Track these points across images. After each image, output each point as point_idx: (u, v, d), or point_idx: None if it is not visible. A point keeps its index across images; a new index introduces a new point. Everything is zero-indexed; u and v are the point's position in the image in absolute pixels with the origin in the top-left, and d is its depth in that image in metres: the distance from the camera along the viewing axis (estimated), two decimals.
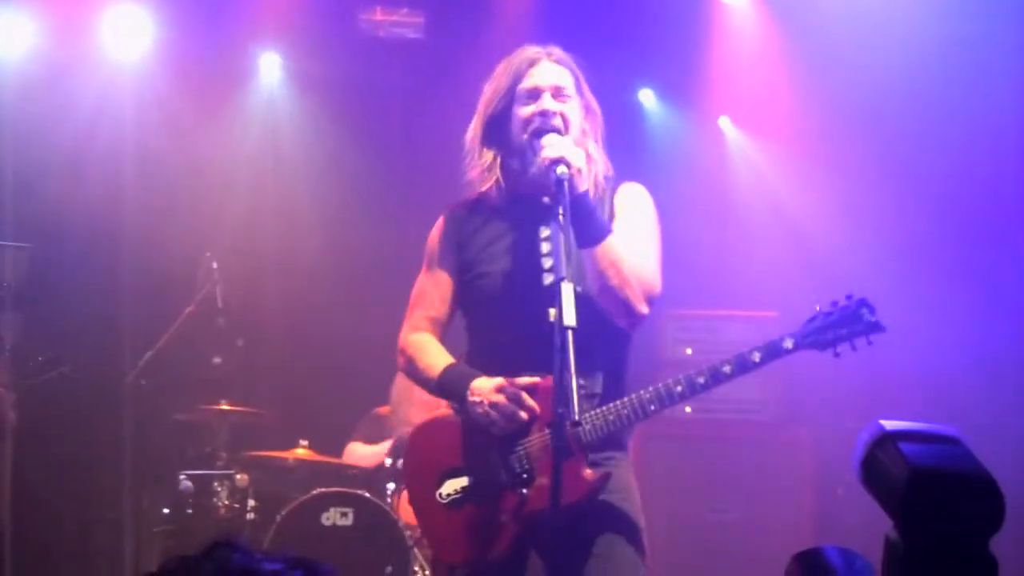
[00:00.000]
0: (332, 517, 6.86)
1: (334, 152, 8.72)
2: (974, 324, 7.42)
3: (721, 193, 8.68)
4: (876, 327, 3.75)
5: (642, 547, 3.83)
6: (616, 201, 3.93)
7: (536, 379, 3.71)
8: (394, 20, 8.72)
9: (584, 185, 3.70)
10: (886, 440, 2.14)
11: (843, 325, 3.74)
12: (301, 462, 7.36)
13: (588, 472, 3.66)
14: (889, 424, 2.17)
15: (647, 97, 9.04)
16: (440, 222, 4.09)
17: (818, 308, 3.77)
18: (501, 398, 3.70)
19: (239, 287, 8.07)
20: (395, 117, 8.64)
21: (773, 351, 3.71)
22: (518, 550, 3.76)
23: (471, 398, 3.75)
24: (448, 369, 3.88)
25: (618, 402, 3.71)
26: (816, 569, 2.46)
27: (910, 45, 7.54)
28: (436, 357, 3.94)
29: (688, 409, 7.41)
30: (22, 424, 7.07)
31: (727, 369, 3.71)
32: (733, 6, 8.40)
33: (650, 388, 3.71)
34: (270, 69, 8.89)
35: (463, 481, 3.81)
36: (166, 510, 7.39)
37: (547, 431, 3.66)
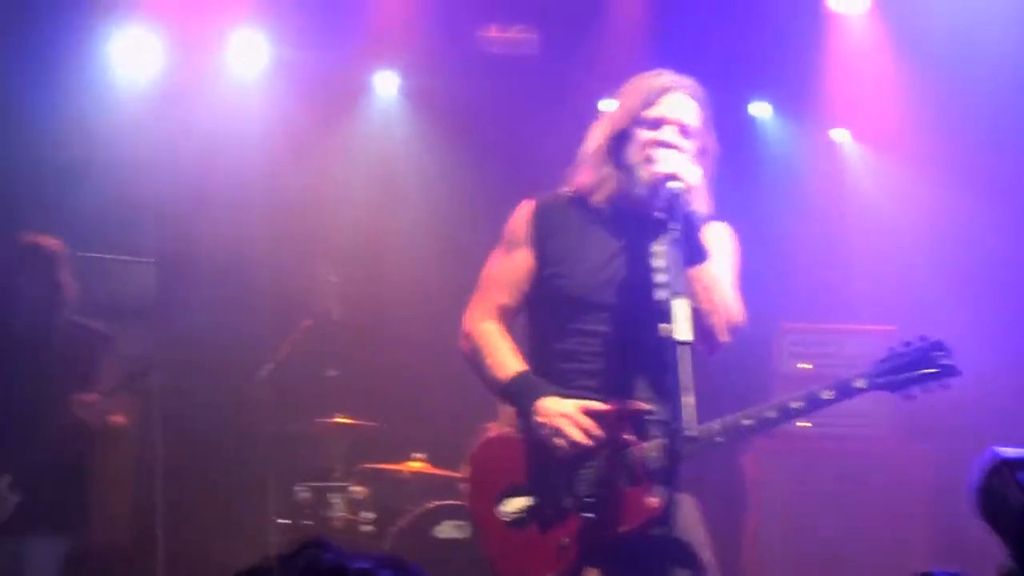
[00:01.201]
0: (446, 530, 6.89)
1: (448, 168, 8.78)
2: None
3: (837, 205, 8.59)
4: (950, 371, 3.71)
5: (702, 541, 3.80)
6: (703, 235, 3.92)
7: (605, 407, 3.68)
8: (509, 37, 8.76)
9: (694, 204, 3.69)
10: (1003, 468, 2.11)
11: (916, 367, 3.69)
12: (416, 475, 7.40)
13: (652, 499, 3.62)
14: (1006, 451, 2.13)
15: (761, 110, 8.97)
16: (528, 209, 4.05)
17: (891, 349, 3.72)
18: (566, 423, 3.67)
19: (356, 301, 8.16)
20: (509, 133, 8.66)
21: (844, 391, 3.67)
22: (577, 574, 3.75)
23: (537, 417, 3.72)
24: (519, 377, 3.84)
25: (719, 420, 3.68)
26: None
27: None
28: (506, 357, 3.89)
29: (807, 424, 7.34)
30: (144, 434, 7.21)
31: (796, 406, 3.68)
32: (848, 17, 8.31)
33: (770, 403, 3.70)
34: (386, 87, 8.99)
35: (526, 501, 3.78)
36: (283, 521, 7.47)
37: (614, 456, 3.64)
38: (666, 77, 3.94)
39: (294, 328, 7.80)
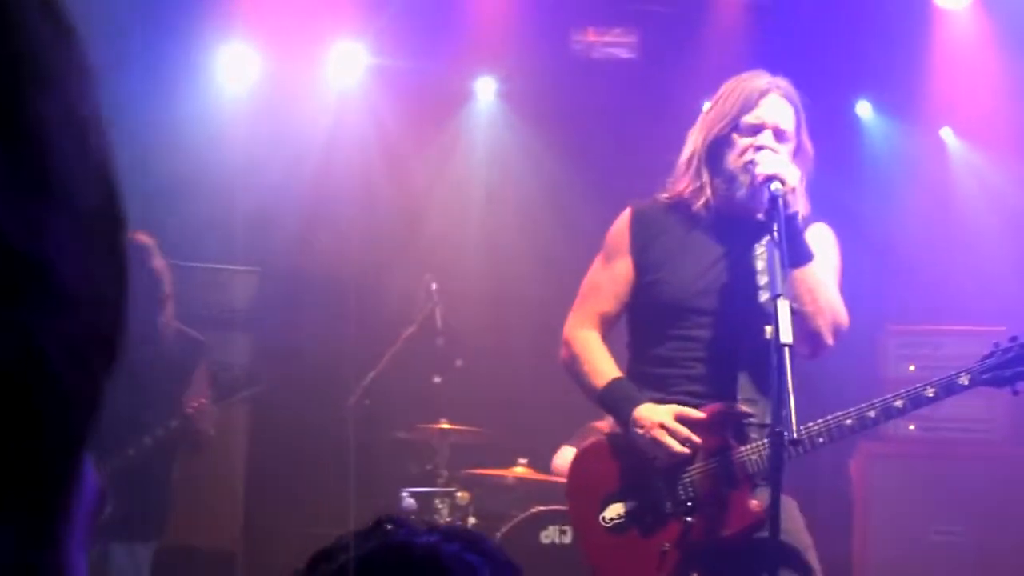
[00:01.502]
0: (551, 535, 6.90)
1: (548, 174, 8.80)
2: None
3: (943, 205, 8.46)
4: None
5: (807, 543, 3.77)
6: (807, 237, 3.91)
7: (700, 414, 3.67)
8: (607, 40, 8.76)
9: (795, 206, 3.67)
10: None
11: (1021, 363, 3.59)
12: (520, 480, 7.42)
13: (755, 503, 3.60)
14: None
15: (865, 109, 8.87)
16: (627, 216, 4.07)
17: (996, 344, 3.65)
18: (664, 433, 3.66)
19: (458, 308, 8.21)
20: (608, 137, 8.66)
21: (948, 388, 3.61)
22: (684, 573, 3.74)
23: (634, 427, 3.71)
24: (614, 384, 3.84)
25: (820, 421, 3.65)
26: None
27: None
28: (603, 364, 3.90)
29: (912, 427, 7.24)
30: (252, 445, 7.32)
31: (899, 404, 3.63)
32: (952, 12, 8.18)
33: (850, 410, 3.66)
34: (486, 92, 9.03)
35: (626, 506, 3.78)
36: None
37: (711, 461, 3.63)
38: (763, 79, 3.92)
39: (397, 337, 7.87)
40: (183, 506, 6.45)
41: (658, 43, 8.63)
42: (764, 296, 3.66)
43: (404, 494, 7.45)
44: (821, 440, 3.64)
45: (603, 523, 3.81)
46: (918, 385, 3.64)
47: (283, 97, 8.31)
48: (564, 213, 8.66)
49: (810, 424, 3.64)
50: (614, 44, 8.76)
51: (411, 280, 8.09)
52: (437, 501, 7.36)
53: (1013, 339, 3.66)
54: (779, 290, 3.35)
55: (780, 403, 3.21)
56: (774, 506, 3.28)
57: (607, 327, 4.02)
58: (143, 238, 6.31)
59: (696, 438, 3.65)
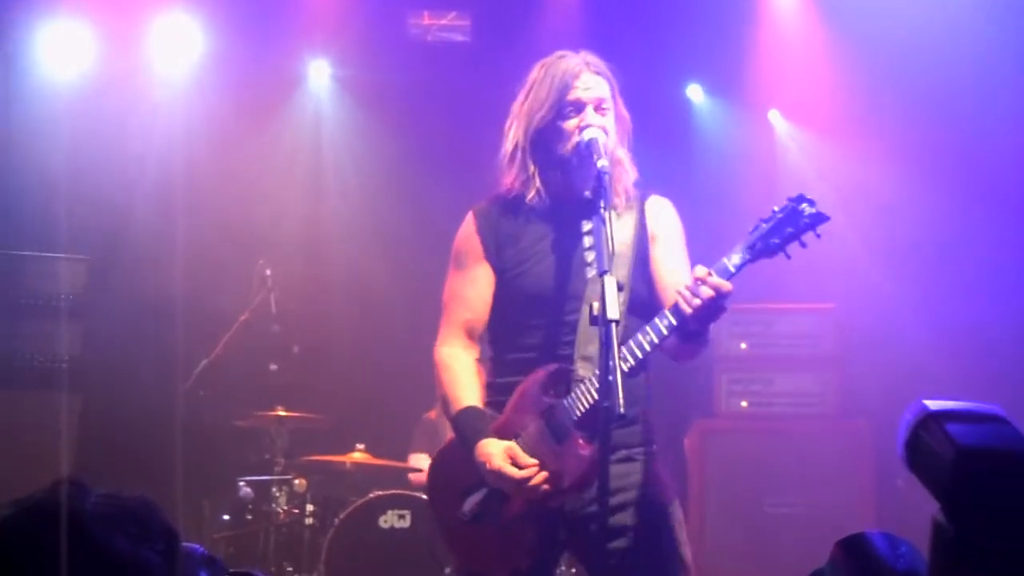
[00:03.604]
0: (390, 519, 6.90)
1: (383, 156, 8.76)
2: None
3: (772, 186, 8.63)
4: (819, 217, 3.64)
5: (678, 540, 3.82)
6: (648, 213, 3.97)
7: (532, 462, 3.68)
8: (442, 24, 8.74)
9: (623, 173, 3.86)
10: (930, 420, 2.08)
11: (786, 225, 3.63)
12: (358, 466, 7.40)
13: (584, 448, 3.61)
14: (933, 404, 2.12)
15: (695, 92, 9.01)
16: (470, 220, 4.05)
17: (759, 219, 3.70)
18: (506, 478, 3.68)
19: (293, 294, 8.13)
20: (443, 120, 8.64)
21: (722, 271, 3.62)
22: (549, 552, 3.79)
23: (477, 458, 3.74)
24: (463, 413, 3.84)
25: (622, 348, 3.64)
26: (860, 554, 2.44)
27: (955, 33, 7.49)
28: (460, 389, 3.89)
29: (744, 403, 7.39)
30: (83, 432, 7.15)
31: (688, 310, 3.56)
32: None
33: (646, 327, 3.66)
34: (319, 76, 8.94)
35: (480, 495, 3.80)
36: (226, 516, 7.45)
37: (540, 423, 3.67)
38: (572, 60, 3.94)
39: (231, 324, 7.76)
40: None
41: (492, 26, 8.64)
42: (591, 273, 3.67)
43: (241, 483, 7.37)
44: (627, 364, 3.60)
45: (463, 517, 3.81)
46: (696, 279, 3.56)
47: (109, 81, 8.11)
48: (401, 197, 8.63)
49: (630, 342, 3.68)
50: (449, 28, 8.75)
51: (245, 266, 7.98)
52: (274, 489, 7.30)
53: (773, 209, 3.67)
54: (605, 267, 3.37)
55: (606, 376, 3.23)
56: (603, 473, 3.31)
57: (475, 337, 4.02)
58: None
59: (530, 461, 3.66)
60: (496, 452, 3.70)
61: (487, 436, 3.75)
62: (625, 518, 3.72)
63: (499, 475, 3.67)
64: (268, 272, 7.82)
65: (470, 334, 4.00)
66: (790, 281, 7.83)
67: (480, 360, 4.02)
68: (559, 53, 4.01)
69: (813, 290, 7.53)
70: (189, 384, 7.69)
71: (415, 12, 8.73)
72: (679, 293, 3.55)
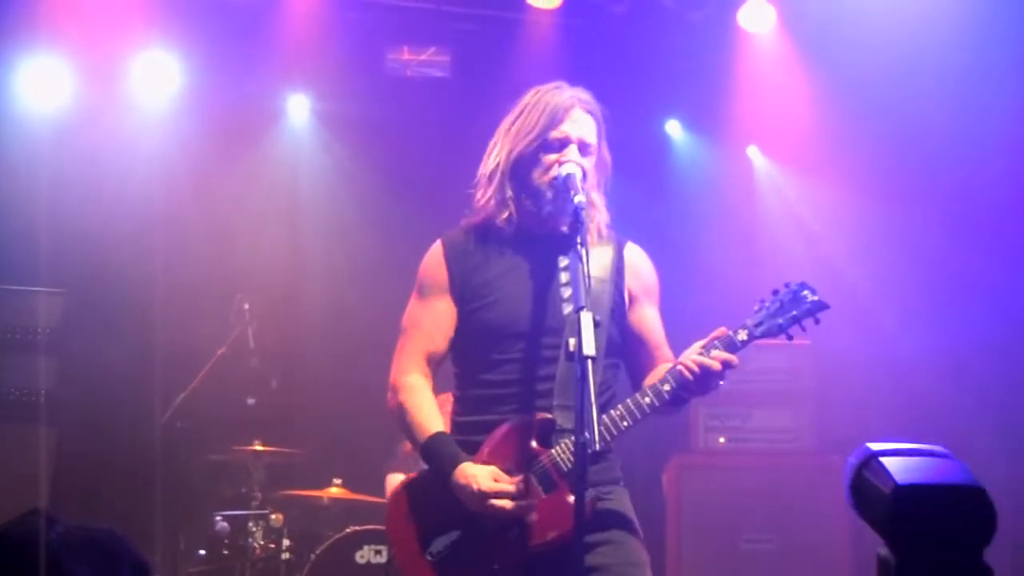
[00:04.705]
0: (366, 555, 6.86)
1: (362, 191, 8.77)
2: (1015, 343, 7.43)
3: (749, 221, 8.68)
4: (821, 306, 3.80)
5: None
6: (627, 261, 4.01)
7: (510, 481, 3.67)
8: (421, 60, 8.76)
9: (596, 215, 3.88)
10: (871, 460, 2.12)
11: (790, 309, 3.79)
12: (335, 500, 7.37)
13: (572, 498, 3.58)
14: (875, 445, 2.15)
15: (674, 128, 9.04)
16: (439, 249, 4.03)
17: (761, 301, 3.80)
18: (490, 489, 3.65)
19: (271, 327, 8.11)
20: (422, 155, 8.65)
21: (729, 344, 3.72)
22: None
23: (456, 480, 3.70)
24: (435, 439, 3.80)
25: (619, 406, 3.70)
26: None
27: (934, 69, 7.56)
28: (426, 416, 3.85)
29: (722, 440, 7.40)
30: (59, 465, 7.11)
31: (689, 374, 3.70)
32: (757, 36, 8.39)
33: (645, 389, 3.72)
34: (298, 111, 8.95)
35: (450, 536, 3.76)
36: (202, 551, 7.40)
37: (526, 470, 3.64)
38: (565, 94, 3.95)
39: (208, 357, 7.74)
40: None
41: (471, 63, 8.66)
42: (568, 309, 3.68)
43: (217, 518, 7.33)
44: (625, 423, 3.69)
45: (430, 558, 3.75)
46: (703, 349, 3.70)
47: (91, 112, 8.10)
48: (379, 232, 8.63)
49: (611, 411, 3.69)
50: (428, 63, 8.78)
51: (222, 300, 7.96)
52: (251, 524, 7.26)
53: (775, 292, 3.80)
54: (582, 303, 3.37)
55: (583, 414, 3.24)
56: (579, 511, 3.29)
57: (435, 365, 3.98)
58: None
59: (513, 487, 3.64)
60: (481, 474, 3.66)
61: (465, 461, 3.72)
62: (599, 557, 3.70)
63: (485, 495, 3.62)
64: (246, 306, 7.82)
65: (428, 363, 3.96)
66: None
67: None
68: (556, 83, 4.01)
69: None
70: (166, 417, 7.67)
71: (394, 47, 8.74)
72: (683, 364, 3.69)
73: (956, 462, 2.06)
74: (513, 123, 3.97)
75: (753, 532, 7.23)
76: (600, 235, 3.94)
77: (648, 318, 4.03)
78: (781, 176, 8.75)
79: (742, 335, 3.74)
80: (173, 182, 8.22)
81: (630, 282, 4.00)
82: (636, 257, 4.05)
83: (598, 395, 3.53)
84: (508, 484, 3.64)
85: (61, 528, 1.93)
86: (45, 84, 8.09)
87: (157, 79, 8.33)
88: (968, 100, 7.56)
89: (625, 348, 3.97)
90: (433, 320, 3.96)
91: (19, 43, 7.89)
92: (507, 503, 3.62)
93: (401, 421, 3.92)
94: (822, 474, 7.22)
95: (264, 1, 8.23)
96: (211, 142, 8.32)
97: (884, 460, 2.07)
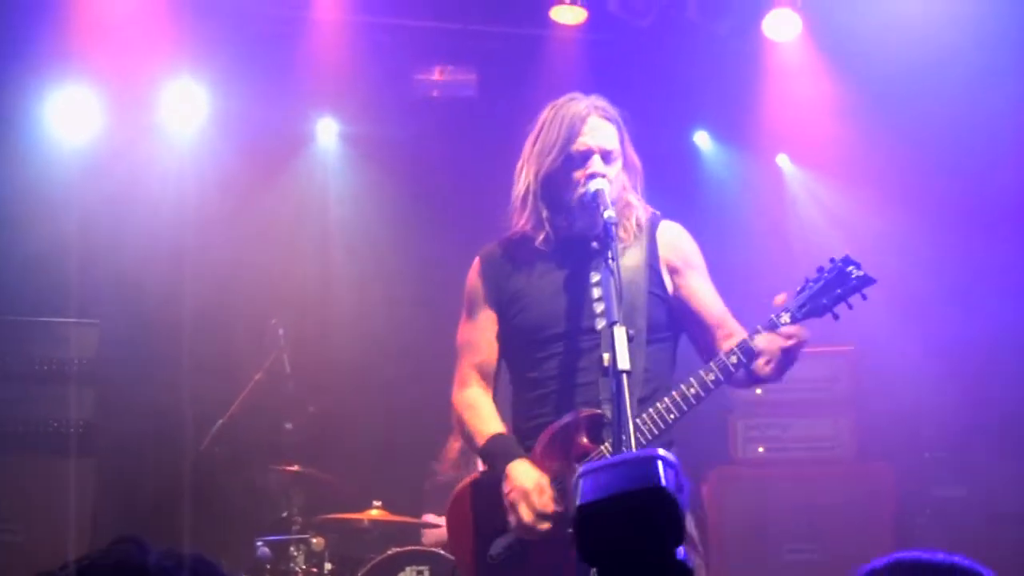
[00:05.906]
0: None
1: (394, 213, 8.78)
2: None
3: (781, 230, 8.64)
4: (867, 281, 3.78)
5: None
6: (661, 240, 3.98)
7: (552, 428, 3.72)
8: (448, 79, 8.78)
9: (633, 212, 3.93)
10: (578, 479, 2.07)
11: (835, 286, 3.76)
12: (376, 523, 7.35)
13: None
14: (588, 465, 2.10)
15: (702, 139, 9.03)
16: (476, 265, 4.14)
17: (806, 279, 3.78)
18: (523, 505, 3.69)
19: (307, 352, 8.12)
20: (450, 174, 8.66)
21: (772, 326, 3.69)
22: None
23: (505, 483, 3.75)
24: (492, 440, 3.88)
25: (665, 399, 3.68)
26: None
27: (962, 76, 7.51)
28: (482, 421, 3.94)
29: (761, 449, 7.35)
30: (98, 495, 7.14)
31: (734, 360, 3.71)
32: (782, 44, 8.36)
33: (690, 379, 3.70)
34: (326, 134, 8.97)
35: (511, 537, 3.77)
36: None
37: (577, 465, 3.65)
38: (580, 104, 3.98)
39: (244, 383, 7.75)
40: (20, 568, 6.27)
41: (498, 81, 8.67)
42: (600, 323, 3.69)
43: (259, 543, 7.33)
44: (672, 416, 3.70)
45: (492, 560, 3.78)
46: (745, 338, 3.68)
47: (120, 143, 8.14)
48: (409, 252, 8.64)
49: (657, 404, 3.70)
50: (455, 83, 8.79)
51: (256, 326, 7.98)
52: (292, 548, 7.26)
53: (820, 270, 3.78)
54: (615, 317, 3.38)
55: (620, 428, 3.23)
56: None
57: (488, 378, 4.08)
58: None
59: (553, 506, 3.65)
60: (529, 482, 3.70)
61: (516, 459, 3.75)
62: None
63: (513, 507, 3.69)
64: (281, 331, 7.83)
65: (483, 376, 4.06)
66: (805, 324, 7.82)
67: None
68: (569, 95, 4.05)
69: (828, 333, 7.50)
70: (205, 444, 7.68)
71: (422, 68, 8.76)
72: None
73: (653, 466, 1.97)
74: (535, 142, 4.01)
75: (795, 542, 7.18)
76: (637, 231, 3.98)
77: (698, 290, 4.04)
78: (812, 183, 8.71)
79: (785, 318, 3.73)
80: (203, 209, 8.24)
81: (667, 255, 4.03)
82: (669, 231, 4.09)
83: (643, 383, 3.64)
84: (537, 509, 3.66)
85: (156, 555, 1.93)
86: (75, 115, 8.14)
87: (186, 107, 8.37)
88: (996, 104, 7.51)
89: (684, 324, 3.98)
90: (480, 333, 4.07)
91: (48, 75, 7.94)
92: (530, 518, 3.63)
93: (463, 434, 4.05)
94: (863, 482, 7.17)
95: (290, 26, 8.26)
96: (241, 168, 8.35)
97: (582, 479, 2.03)
